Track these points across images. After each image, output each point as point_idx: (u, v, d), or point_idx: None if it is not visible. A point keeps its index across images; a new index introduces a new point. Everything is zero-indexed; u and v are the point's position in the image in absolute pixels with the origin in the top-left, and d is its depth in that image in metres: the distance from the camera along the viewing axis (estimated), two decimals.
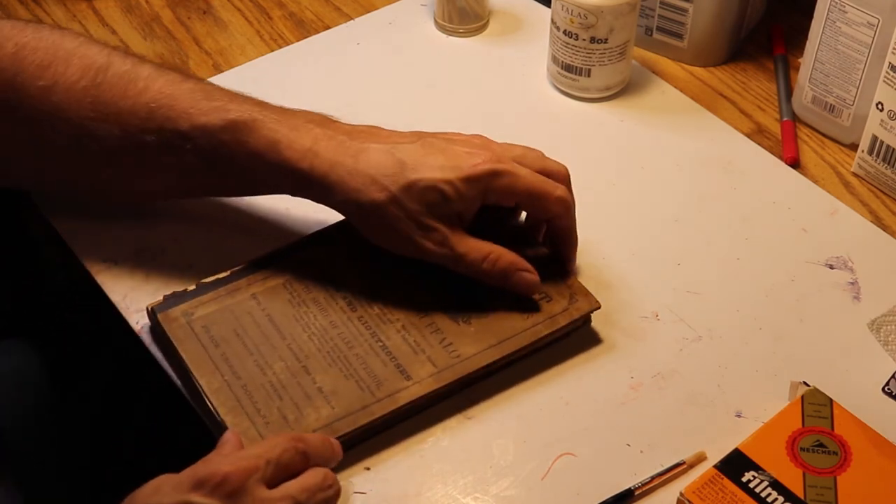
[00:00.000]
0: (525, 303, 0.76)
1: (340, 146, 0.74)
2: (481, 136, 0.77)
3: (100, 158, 0.76)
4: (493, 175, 0.73)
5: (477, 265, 0.75)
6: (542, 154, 0.78)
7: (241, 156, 0.74)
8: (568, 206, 0.76)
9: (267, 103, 0.76)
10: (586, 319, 0.77)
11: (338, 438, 0.68)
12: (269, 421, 0.69)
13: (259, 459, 0.62)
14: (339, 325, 0.74)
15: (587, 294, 0.77)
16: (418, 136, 0.76)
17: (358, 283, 0.77)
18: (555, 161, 0.78)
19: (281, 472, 0.63)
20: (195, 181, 0.78)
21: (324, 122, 0.76)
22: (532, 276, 0.76)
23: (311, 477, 0.64)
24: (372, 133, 0.76)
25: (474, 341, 0.74)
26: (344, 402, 0.70)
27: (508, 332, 0.74)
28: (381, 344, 0.73)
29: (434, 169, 0.73)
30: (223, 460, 0.62)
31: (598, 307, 0.76)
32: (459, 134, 0.77)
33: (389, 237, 0.75)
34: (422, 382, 0.71)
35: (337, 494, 0.66)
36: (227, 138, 0.74)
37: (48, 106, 0.74)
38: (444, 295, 0.76)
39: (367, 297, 0.76)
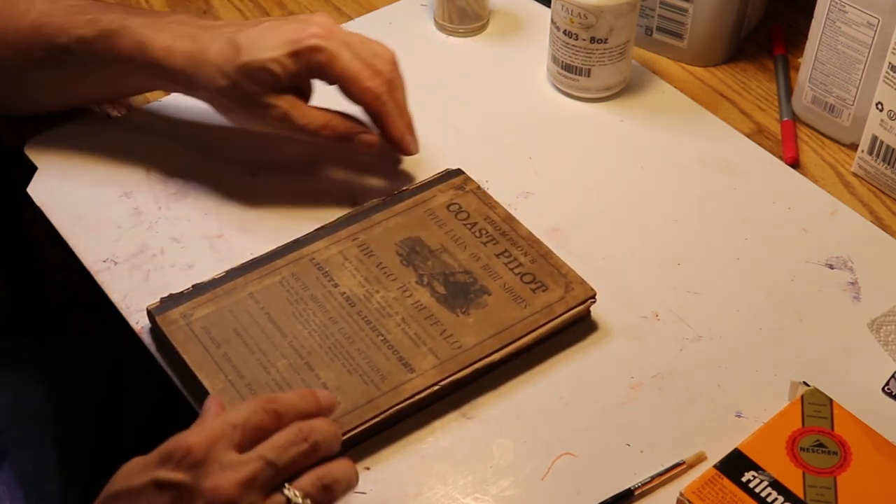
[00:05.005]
0: (522, 294, 0.76)
1: (194, 41, 0.80)
2: (324, 15, 0.82)
3: None
4: (313, 50, 0.79)
5: (318, 133, 0.81)
6: (371, 40, 0.82)
7: (116, 62, 0.81)
8: (378, 98, 0.81)
9: (138, 9, 0.84)
10: (585, 312, 0.78)
11: (346, 433, 0.68)
12: None
13: (225, 426, 0.61)
14: (338, 320, 0.75)
15: (582, 282, 0.77)
16: (266, 20, 0.82)
17: (355, 279, 0.77)
18: (379, 43, 0.82)
19: (253, 435, 0.61)
20: (81, 89, 0.86)
21: (187, 20, 0.82)
22: (371, 136, 0.82)
23: (283, 434, 0.62)
24: (228, 24, 0.82)
25: (474, 332, 0.74)
26: (349, 396, 0.70)
27: (507, 321, 0.75)
28: (381, 338, 0.74)
29: (264, 49, 0.79)
30: (189, 432, 0.61)
31: (594, 295, 0.77)
32: (308, 15, 0.82)
33: (243, 117, 0.82)
34: (425, 374, 0.72)
35: (314, 448, 0.62)
36: (100, 47, 0.81)
37: None
38: (440, 287, 0.76)
39: (365, 293, 0.76)
